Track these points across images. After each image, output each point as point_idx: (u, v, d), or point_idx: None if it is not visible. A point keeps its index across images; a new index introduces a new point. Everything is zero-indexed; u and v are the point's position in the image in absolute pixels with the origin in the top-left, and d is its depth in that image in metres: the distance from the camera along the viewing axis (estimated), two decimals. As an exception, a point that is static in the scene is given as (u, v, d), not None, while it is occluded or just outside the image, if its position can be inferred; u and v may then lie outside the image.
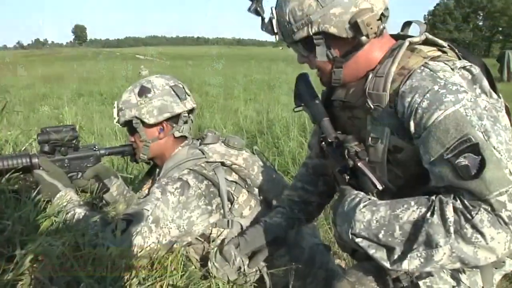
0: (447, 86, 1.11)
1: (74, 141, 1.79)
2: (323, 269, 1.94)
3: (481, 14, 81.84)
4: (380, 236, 1.13)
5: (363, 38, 1.21)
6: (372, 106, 1.24)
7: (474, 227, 1.02)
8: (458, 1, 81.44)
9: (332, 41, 1.25)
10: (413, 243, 1.09)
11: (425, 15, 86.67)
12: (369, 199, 1.22)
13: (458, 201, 1.06)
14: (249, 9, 1.29)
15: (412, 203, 1.12)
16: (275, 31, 1.30)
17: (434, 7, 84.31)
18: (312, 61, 1.33)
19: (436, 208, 1.07)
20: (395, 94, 1.20)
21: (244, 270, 1.66)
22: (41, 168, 1.68)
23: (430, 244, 1.06)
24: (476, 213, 1.02)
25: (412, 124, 1.15)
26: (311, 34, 1.23)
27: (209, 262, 1.66)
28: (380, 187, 1.22)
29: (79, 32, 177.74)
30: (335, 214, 1.30)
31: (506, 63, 17.20)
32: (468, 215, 1.03)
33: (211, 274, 1.67)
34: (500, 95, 1.20)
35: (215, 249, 1.68)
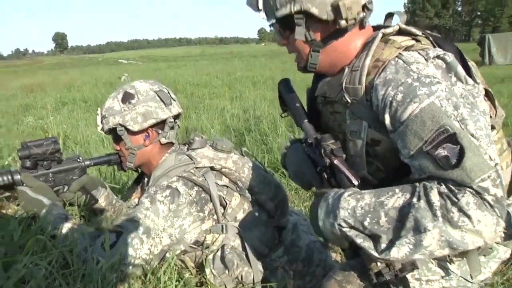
0: (421, 79, 1.11)
1: (57, 154, 1.72)
2: (321, 267, 1.92)
3: (460, 0, 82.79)
4: (366, 223, 1.12)
5: (343, 22, 1.21)
6: (349, 100, 1.25)
7: (460, 210, 1.01)
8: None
9: (313, 23, 1.26)
10: (401, 230, 1.07)
11: (405, 3, 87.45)
12: (353, 189, 1.21)
13: (443, 186, 1.05)
14: None
15: (397, 190, 1.12)
16: (260, 7, 1.32)
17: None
18: (291, 43, 1.34)
19: (421, 193, 1.06)
20: (370, 86, 1.20)
21: (242, 278, 1.63)
22: (24, 184, 1.62)
23: (419, 229, 1.05)
24: (462, 196, 1.01)
25: (387, 117, 1.15)
26: (293, 12, 1.24)
27: (206, 269, 1.62)
28: (355, 182, 1.23)
29: (60, 39, 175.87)
30: (314, 214, 1.26)
31: (487, 47, 17.42)
32: (454, 198, 1.02)
33: (207, 281, 1.64)
34: (478, 81, 1.20)
35: (212, 255, 1.64)
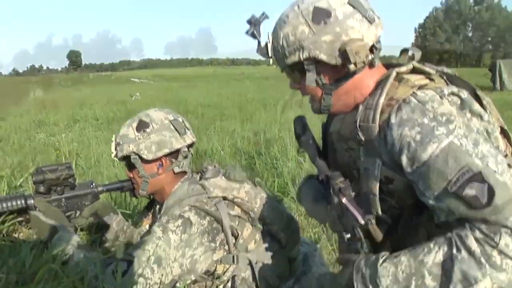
0: (437, 118, 1.11)
1: (70, 179, 1.74)
2: (332, 300, 1.89)
3: (470, 25, 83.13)
4: (412, 287, 1.07)
5: (351, 66, 1.22)
6: (362, 138, 1.24)
7: (501, 252, 0.99)
8: (447, 13, 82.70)
9: (322, 68, 1.27)
10: (449, 284, 1.03)
11: (415, 28, 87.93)
12: (385, 253, 1.17)
13: (477, 231, 1.02)
14: (247, 32, 1.32)
15: (431, 245, 1.08)
16: (270, 55, 1.34)
17: (424, 20, 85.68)
18: (303, 87, 1.34)
19: (458, 243, 1.03)
20: (384, 125, 1.19)
21: None
22: (37, 209, 1.63)
23: (469, 281, 1.01)
24: (499, 238, 0.99)
25: (404, 158, 1.13)
26: (302, 59, 1.26)
27: None
28: (362, 221, 1.20)
29: (74, 57, 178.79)
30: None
31: (498, 73, 17.42)
32: (492, 242, 0.99)
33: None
34: (494, 118, 1.19)
35: (222, 286, 1.62)
